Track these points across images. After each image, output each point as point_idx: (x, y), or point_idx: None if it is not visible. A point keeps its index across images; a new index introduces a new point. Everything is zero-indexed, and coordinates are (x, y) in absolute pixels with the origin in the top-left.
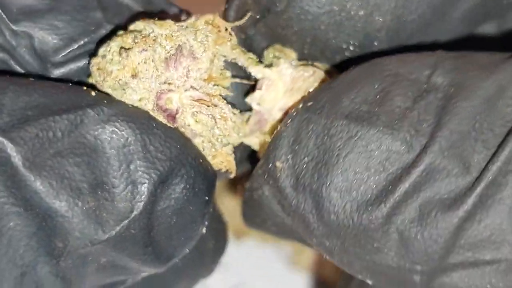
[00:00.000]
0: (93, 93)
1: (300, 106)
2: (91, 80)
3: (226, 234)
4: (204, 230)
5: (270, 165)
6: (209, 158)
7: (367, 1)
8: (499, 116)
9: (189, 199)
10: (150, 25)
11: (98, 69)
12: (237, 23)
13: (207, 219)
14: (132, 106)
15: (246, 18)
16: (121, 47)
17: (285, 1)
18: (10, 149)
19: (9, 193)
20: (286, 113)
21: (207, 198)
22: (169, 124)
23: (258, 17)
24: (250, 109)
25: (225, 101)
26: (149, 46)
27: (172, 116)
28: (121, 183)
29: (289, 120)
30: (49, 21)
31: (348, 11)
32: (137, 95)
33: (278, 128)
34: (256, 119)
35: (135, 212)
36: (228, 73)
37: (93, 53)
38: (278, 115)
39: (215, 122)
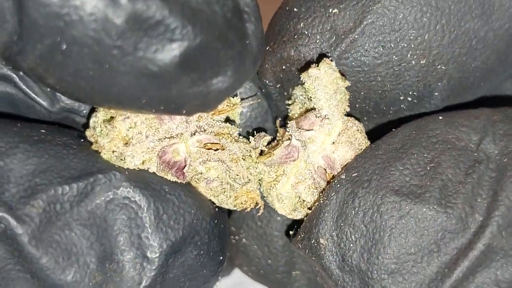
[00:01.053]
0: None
1: (343, 176)
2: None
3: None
4: (216, 286)
5: (313, 241)
6: (230, 201)
7: (429, 49)
8: None
9: (203, 264)
10: None
11: (95, 142)
12: None
13: (220, 274)
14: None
15: None
16: (104, 119)
17: (337, 51)
18: (16, 227)
19: (16, 261)
20: (327, 162)
21: (221, 258)
22: (179, 180)
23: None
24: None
25: (233, 139)
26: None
27: (181, 170)
28: (131, 253)
29: (333, 193)
30: None
31: (409, 61)
32: (138, 160)
33: (320, 201)
34: (285, 152)
35: (143, 284)
36: (237, 99)
37: (86, 124)
38: (319, 161)
39: (227, 166)
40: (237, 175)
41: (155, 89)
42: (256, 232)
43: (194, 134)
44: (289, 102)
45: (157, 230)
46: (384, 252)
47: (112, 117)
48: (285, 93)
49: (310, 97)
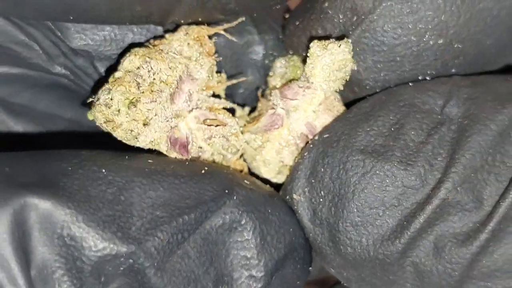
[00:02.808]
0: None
1: (317, 137)
2: (90, 117)
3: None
4: None
5: (287, 197)
6: None
7: (446, 29)
8: (511, 148)
9: (298, 276)
10: (146, 63)
11: (106, 120)
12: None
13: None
14: (250, 188)
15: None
16: (128, 99)
17: (358, 30)
18: (144, 259)
19: None
20: (309, 128)
21: (310, 268)
22: (183, 157)
23: None
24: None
25: (231, 115)
26: (158, 96)
27: (184, 147)
28: (241, 274)
29: (306, 153)
30: (108, 33)
31: (427, 41)
32: (149, 139)
33: (296, 160)
34: (269, 120)
35: None
36: (223, 75)
37: (92, 94)
38: (301, 128)
39: (228, 141)
40: (231, 147)
41: None
42: None
43: (191, 110)
44: (270, 74)
45: (262, 250)
46: (348, 206)
47: (134, 99)
48: None
49: (307, 63)
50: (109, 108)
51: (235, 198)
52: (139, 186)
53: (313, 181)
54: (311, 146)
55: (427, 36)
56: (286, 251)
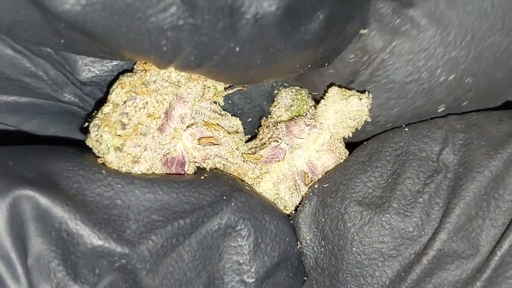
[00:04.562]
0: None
1: (316, 186)
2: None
3: None
4: None
5: None
6: None
7: (457, 65)
8: (505, 192)
9: (290, 284)
10: (132, 99)
11: (98, 153)
12: None
13: None
14: (250, 195)
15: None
16: (113, 145)
17: (369, 69)
18: (136, 261)
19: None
20: (310, 168)
21: (305, 278)
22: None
23: None
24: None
25: (225, 131)
26: (141, 136)
27: (181, 165)
28: (232, 278)
29: (306, 201)
30: (116, 63)
31: (438, 77)
32: (142, 169)
33: (299, 207)
34: (271, 153)
35: None
36: (219, 86)
37: (88, 118)
38: (303, 166)
39: (223, 159)
40: (226, 163)
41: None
42: None
43: (187, 128)
44: (274, 104)
45: (255, 257)
46: (347, 258)
47: (120, 143)
48: None
49: (321, 103)
50: (100, 144)
51: (233, 204)
52: (139, 189)
53: (315, 230)
54: (311, 194)
55: (438, 72)
56: (280, 259)
